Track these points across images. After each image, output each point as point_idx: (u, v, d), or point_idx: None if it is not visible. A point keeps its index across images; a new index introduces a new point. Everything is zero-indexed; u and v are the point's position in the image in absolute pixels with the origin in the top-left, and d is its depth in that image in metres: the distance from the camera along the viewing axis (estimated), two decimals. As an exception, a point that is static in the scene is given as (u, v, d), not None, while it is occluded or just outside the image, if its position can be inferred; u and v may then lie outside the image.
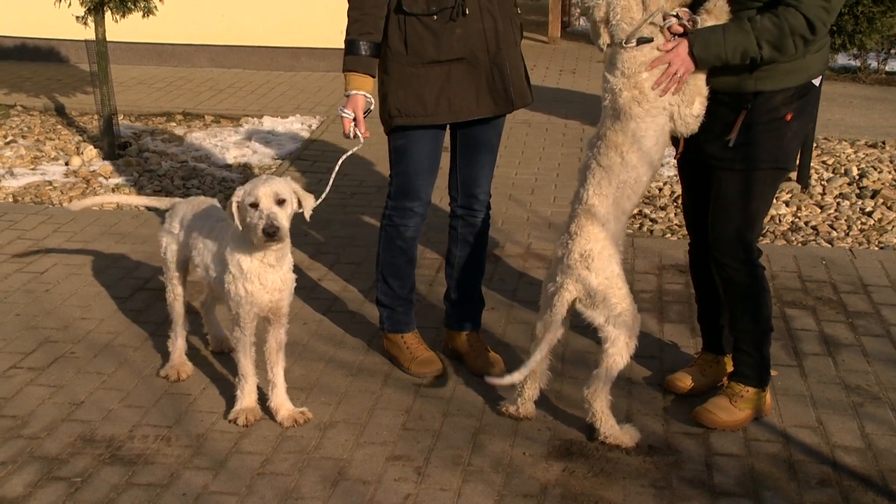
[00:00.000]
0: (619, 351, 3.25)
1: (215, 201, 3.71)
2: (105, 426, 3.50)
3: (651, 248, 5.17)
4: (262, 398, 3.57)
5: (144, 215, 5.65)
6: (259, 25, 9.44)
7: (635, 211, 5.78)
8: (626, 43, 3.20)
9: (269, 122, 7.66)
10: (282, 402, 3.50)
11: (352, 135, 3.52)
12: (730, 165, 3.32)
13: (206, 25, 9.56)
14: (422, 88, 3.53)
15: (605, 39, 3.27)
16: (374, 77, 3.53)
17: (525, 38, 11.42)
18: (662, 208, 5.83)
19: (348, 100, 3.50)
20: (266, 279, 3.33)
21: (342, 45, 3.55)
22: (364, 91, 3.48)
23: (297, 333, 4.11)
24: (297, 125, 7.56)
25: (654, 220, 5.65)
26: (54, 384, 3.79)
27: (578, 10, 12.42)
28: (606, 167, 3.25)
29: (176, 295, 3.76)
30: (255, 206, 3.21)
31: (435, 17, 3.47)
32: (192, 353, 3.95)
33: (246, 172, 6.53)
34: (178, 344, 3.82)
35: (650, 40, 3.21)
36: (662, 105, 3.24)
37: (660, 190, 6.14)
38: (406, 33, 3.49)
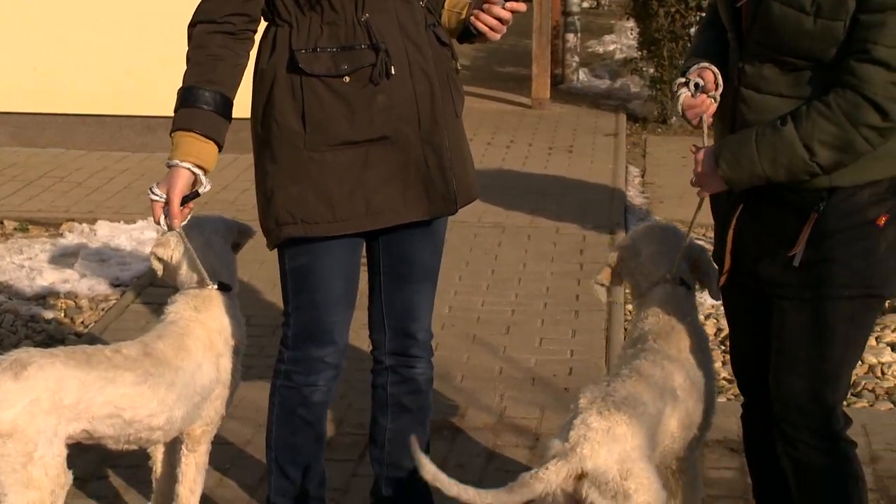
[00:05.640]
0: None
1: None
2: None
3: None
4: None
5: None
6: (91, 84, 9.65)
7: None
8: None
9: (105, 230, 7.75)
10: None
11: (163, 225, 3.61)
12: (796, 294, 3.46)
13: (9, 82, 9.73)
14: (327, 182, 3.65)
15: (604, 298, 4.04)
16: (218, 145, 3.61)
17: (500, 102, 11.81)
18: (704, 354, 5.95)
19: (166, 174, 3.58)
20: None
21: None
22: (194, 162, 3.55)
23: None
24: (150, 233, 7.66)
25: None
26: None
27: (577, 59, 12.85)
28: None
29: None
30: None
31: (346, 78, 3.61)
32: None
33: (69, 308, 6.61)
34: None
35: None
36: None
37: (700, 328, 6.29)
38: (304, 103, 3.63)
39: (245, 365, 5.26)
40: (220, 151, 3.63)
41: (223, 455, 4.84)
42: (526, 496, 3.24)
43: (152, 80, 9.34)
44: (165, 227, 3.62)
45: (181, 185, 3.55)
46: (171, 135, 3.59)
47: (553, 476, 3.19)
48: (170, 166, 3.57)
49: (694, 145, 3.54)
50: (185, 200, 3.58)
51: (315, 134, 3.63)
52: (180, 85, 3.62)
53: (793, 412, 3.52)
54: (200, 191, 3.60)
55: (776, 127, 3.32)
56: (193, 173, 3.55)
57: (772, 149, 3.32)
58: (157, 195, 3.58)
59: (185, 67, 3.62)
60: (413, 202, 3.72)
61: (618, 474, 3.20)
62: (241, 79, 3.64)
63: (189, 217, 3.66)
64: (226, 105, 3.60)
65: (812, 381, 3.49)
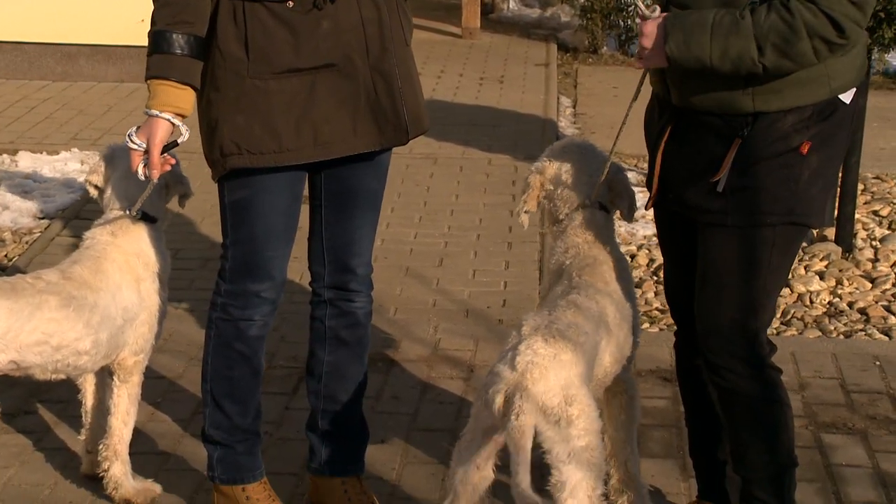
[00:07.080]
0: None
1: None
2: None
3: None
4: None
5: None
6: (10, 9, 9.49)
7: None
8: None
9: (27, 161, 7.67)
10: None
11: (141, 175, 3.59)
12: (720, 220, 3.51)
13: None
14: (272, 111, 3.63)
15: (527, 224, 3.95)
16: (195, 89, 3.61)
17: (429, 31, 11.77)
18: (636, 285, 6.00)
19: (145, 122, 3.57)
20: None
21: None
22: (174, 110, 3.55)
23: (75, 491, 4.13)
24: (74, 165, 7.59)
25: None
26: None
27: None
28: None
29: None
30: None
31: (290, 3, 3.58)
32: None
33: (-8, 239, 6.55)
34: None
35: None
36: None
37: (632, 258, 6.36)
38: (247, 29, 3.59)
39: (176, 298, 5.29)
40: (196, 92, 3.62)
41: (155, 389, 4.84)
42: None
43: (73, 7, 9.20)
44: (144, 177, 3.60)
45: (161, 136, 3.55)
46: (146, 81, 3.57)
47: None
48: (149, 115, 3.55)
49: (639, 15, 3.51)
50: (164, 150, 3.58)
51: (258, 61, 3.60)
52: (151, 27, 3.56)
53: (717, 339, 3.58)
54: (179, 140, 3.60)
55: (735, 19, 3.34)
56: (173, 124, 3.55)
57: (725, 41, 3.34)
58: (136, 144, 3.56)
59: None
60: (364, 132, 3.71)
61: (563, 400, 3.24)
62: (210, 9, 3.58)
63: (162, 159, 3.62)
64: (200, 46, 3.57)
65: (735, 309, 3.54)
